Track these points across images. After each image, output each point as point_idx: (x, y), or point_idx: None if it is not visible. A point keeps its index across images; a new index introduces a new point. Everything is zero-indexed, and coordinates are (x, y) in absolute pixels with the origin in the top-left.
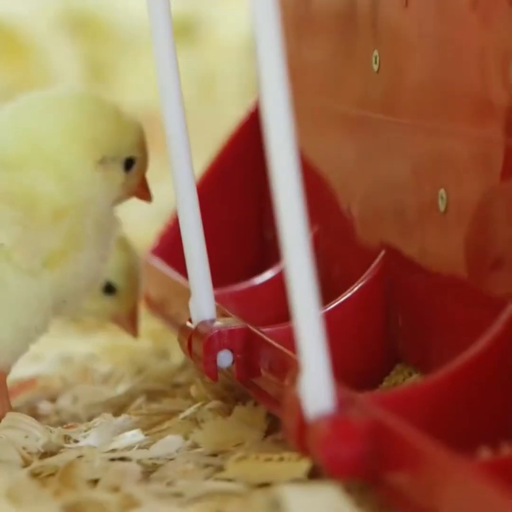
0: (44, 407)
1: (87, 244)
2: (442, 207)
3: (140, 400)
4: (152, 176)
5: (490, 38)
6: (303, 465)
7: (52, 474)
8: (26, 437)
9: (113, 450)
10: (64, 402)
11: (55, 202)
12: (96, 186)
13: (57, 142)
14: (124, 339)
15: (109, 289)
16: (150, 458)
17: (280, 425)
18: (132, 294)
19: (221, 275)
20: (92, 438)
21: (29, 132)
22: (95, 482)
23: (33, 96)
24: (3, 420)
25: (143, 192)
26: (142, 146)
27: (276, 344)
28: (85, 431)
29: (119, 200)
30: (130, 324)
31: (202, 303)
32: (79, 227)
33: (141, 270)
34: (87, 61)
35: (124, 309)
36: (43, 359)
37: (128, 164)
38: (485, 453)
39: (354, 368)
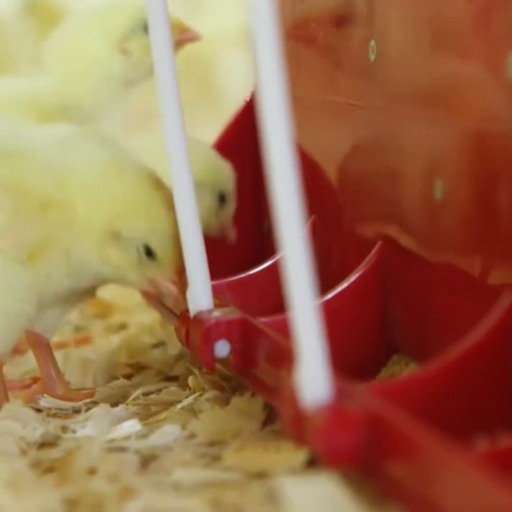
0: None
1: (56, 249)
2: (438, 197)
3: (137, 391)
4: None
5: (488, 30)
6: (301, 456)
7: (50, 465)
8: (24, 427)
9: (111, 440)
10: None
11: (42, 194)
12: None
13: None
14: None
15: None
16: (148, 448)
17: (278, 416)
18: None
19: (218, 266)
20: (90, 429)
21: None
22: (93, 472)
23: None
24: (1, 411)
25: None
26: None
27: (273, 334)
28: (83, 421)
29: None
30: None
31: (200, 293)
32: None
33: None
34: None
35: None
36: None
37: None
38: (482, 444)
39: (351, 359)
